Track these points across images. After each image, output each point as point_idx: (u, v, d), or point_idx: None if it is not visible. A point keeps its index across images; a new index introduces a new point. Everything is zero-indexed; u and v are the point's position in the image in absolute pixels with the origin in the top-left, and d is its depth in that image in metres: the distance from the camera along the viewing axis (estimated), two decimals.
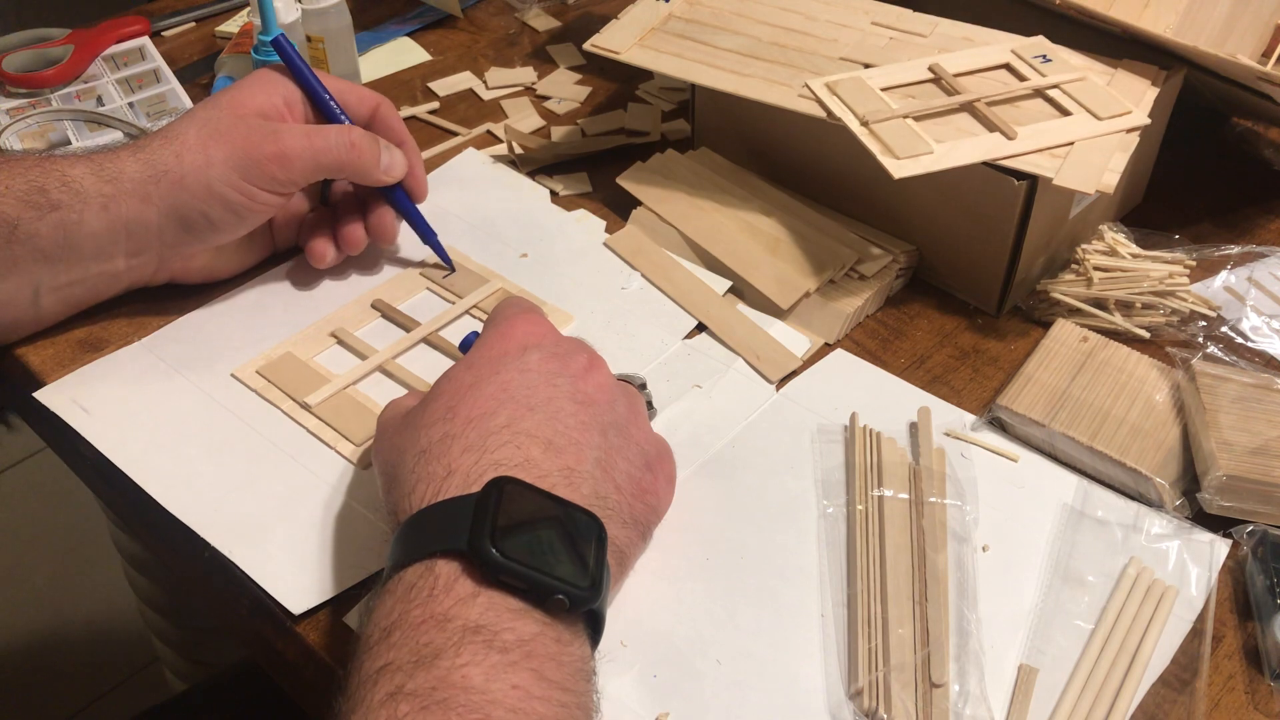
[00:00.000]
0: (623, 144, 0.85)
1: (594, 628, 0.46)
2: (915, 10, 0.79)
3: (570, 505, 0.46)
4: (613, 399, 0.53)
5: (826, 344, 0.69)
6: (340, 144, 0.66)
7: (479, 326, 0.69)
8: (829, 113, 0.69)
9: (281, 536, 0.56)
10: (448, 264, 0.73)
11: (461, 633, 0.41)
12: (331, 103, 0.69)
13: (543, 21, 1.03)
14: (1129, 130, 0.67)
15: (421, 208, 0.72)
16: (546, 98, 0.92)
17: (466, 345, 0.59)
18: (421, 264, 0.74)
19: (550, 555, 0.44)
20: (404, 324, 0.69)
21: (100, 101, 0.89)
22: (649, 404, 0.59)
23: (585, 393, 0.51)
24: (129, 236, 0.64)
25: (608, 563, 0.46)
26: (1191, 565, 0.56)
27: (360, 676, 0.41)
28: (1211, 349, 0.67)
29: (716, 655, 0.52)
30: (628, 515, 0.50)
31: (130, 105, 0.89)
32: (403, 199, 0.71)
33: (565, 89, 0.93)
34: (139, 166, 0.62)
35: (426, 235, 0.72)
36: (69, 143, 0.85)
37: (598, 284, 0.72)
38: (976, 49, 0.74)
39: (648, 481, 0.52)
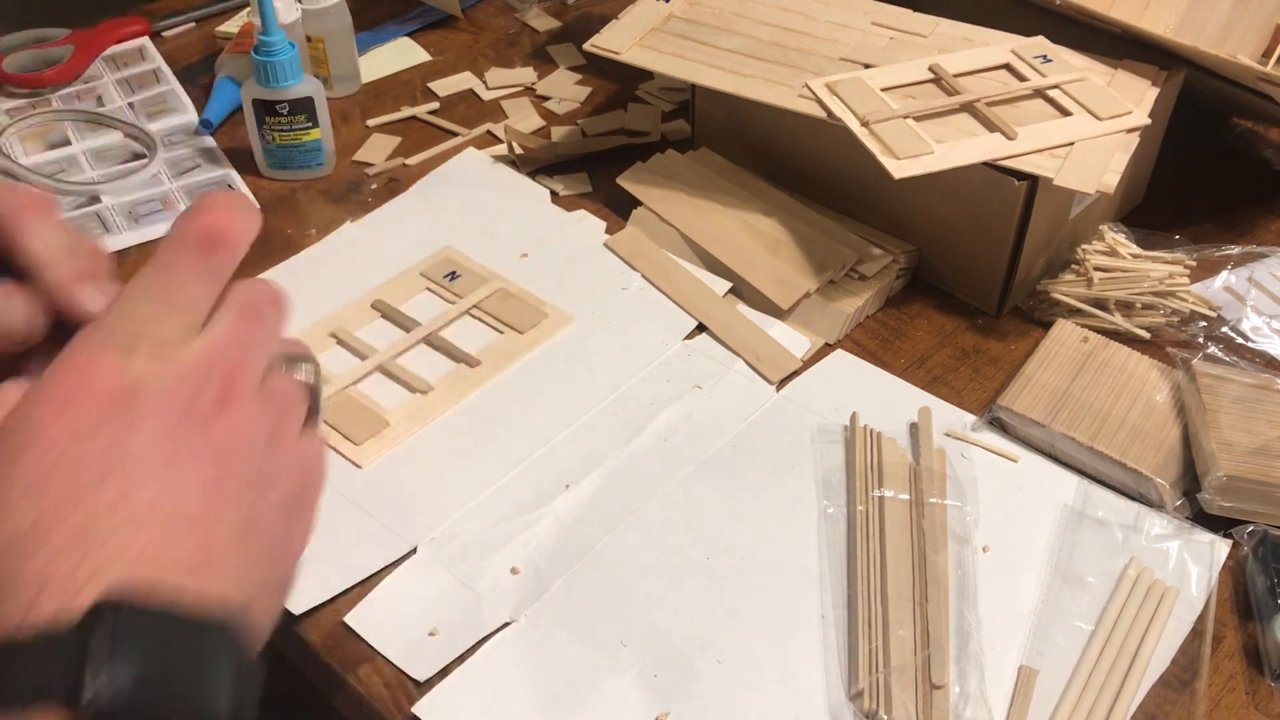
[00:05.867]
0: (623, 144, 0.85)
1: None
2: (915, 10, 0.79)
3: (197, 624, 0.36)
4: (252, 435, 0.40)
5: (826, 344, 0.69)
6: None
7: (479, 326, 0.69)
8: (829, 113, 0.69)
9: None
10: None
11: None
12: None
13: (543, 21, 1.03)
14: (1129, 130, 0.67)
15: (422, 207, 0.71)
16: (546, 98, 0.92)
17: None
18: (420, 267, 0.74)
19: (175, 696, 0.34)
20: (404, 324, 0.69)
21: (100, 101, 0.89)
22: (315, 403, 0.44)
23: (218, 441, 0.39)
24: None
25: (251, 686, 0.36)
26: (1192, 565, 0.56)
27: None
28: (1212, 349, 0.67)
29: (716, 655, 0.52)
30: (274, 581, 0.41)
31: (130, 105, 0.89)
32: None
33: (565, 89, 0.93)
34: None
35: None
36: (69, 143, 0.85)
37: (598, 284, 0.72)
38: (976, 49, 0.74)
39: (297, 533, 0.42)
